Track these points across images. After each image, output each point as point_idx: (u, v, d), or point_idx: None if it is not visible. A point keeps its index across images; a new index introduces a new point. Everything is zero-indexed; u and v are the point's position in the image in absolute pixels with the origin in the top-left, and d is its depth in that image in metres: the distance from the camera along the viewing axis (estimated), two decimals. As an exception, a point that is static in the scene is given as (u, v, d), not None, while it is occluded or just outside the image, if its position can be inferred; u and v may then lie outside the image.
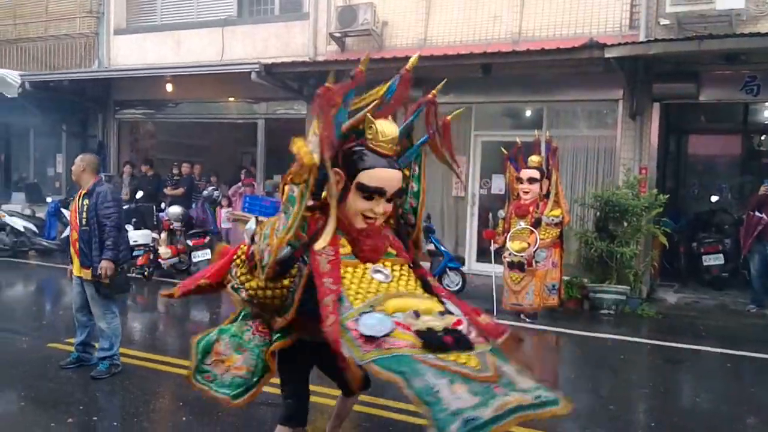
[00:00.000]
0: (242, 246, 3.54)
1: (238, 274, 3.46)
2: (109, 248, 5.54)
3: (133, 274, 10.64)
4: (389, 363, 2.73)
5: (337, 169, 3.20)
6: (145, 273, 10.48)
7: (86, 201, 5.63)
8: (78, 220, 5.65)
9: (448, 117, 3.67)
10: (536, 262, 8.31)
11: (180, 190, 12.74)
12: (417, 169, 3.73)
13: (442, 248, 10.12)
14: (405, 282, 3.15)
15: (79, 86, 14.48)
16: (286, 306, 3.34)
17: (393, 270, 3.19)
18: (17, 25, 16.00)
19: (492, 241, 8.97)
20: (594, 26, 10.16)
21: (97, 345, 5.87)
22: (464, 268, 10.47)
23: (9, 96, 13.45)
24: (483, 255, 10.90)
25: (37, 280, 11.28)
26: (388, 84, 3.45)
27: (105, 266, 5.51)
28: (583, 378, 6.40)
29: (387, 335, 2.78)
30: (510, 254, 8.38)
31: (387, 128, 3.31)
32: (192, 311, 9.27)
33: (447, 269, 9.97)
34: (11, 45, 16.06)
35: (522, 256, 8.26)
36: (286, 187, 3.22)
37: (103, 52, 14.71)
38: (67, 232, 12.49)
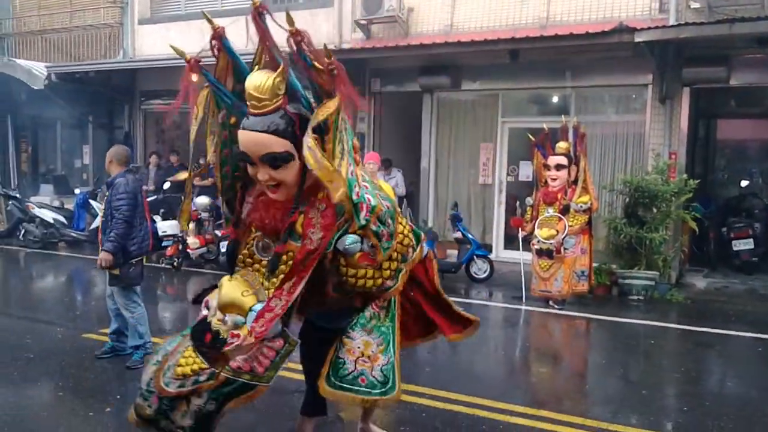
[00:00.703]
0: None
1: None
2: (110, 240, 5.52)
3: (162, 264, 10.80)
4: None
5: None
6: (174, 263, 10.60)
7: (107, 192, 5.71)
8: (104, 212, 5.75)
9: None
10: (565, 249, 8.27)
11: (209, 181, 12.82)
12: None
13: (470, 236, 10.11)
14: (285, 268, 3.08)
15: (104, 77, 14.57)
16: None
17: (284, 256, 3.08)
18: (42, 16, 16.14)
19: (520, 228, 8.94)
20: (623, 10, 10.04)
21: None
22: (492, 256, 10.45)
23: (35, 88, 13.54)
24: (510, 242, 10.87)
25: (67, 271, 11.42)
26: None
27: (102, 257, 5.51)
28: (613, 363, 6.37)
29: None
30: (538, 241, 8.36)
31: (250, 79, 3.03)
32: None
33: (474, 257, 9.96)
34: (36, 36, 16.22)
35: (550, 243, 8.23)
36: None
37: (128, 42, 14.79)
38: (96, 223, 12.70)
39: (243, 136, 3.00)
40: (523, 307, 8.54)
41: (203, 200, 11.33)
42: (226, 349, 3.02)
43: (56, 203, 14.02)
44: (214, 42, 3.14)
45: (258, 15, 3.08)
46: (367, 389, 3.41)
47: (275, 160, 2.95)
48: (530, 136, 9.03)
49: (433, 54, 10.67)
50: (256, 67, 3.14)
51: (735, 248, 10.61)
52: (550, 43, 9.75)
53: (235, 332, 3.03)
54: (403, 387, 5.18)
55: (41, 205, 13.48)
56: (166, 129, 16.14)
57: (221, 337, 3.04)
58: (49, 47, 15.97)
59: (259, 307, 3.01)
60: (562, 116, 9.22)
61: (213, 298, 3.15)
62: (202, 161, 13.60)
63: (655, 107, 9.98)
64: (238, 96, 3.13)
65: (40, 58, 15.53)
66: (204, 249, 11.02)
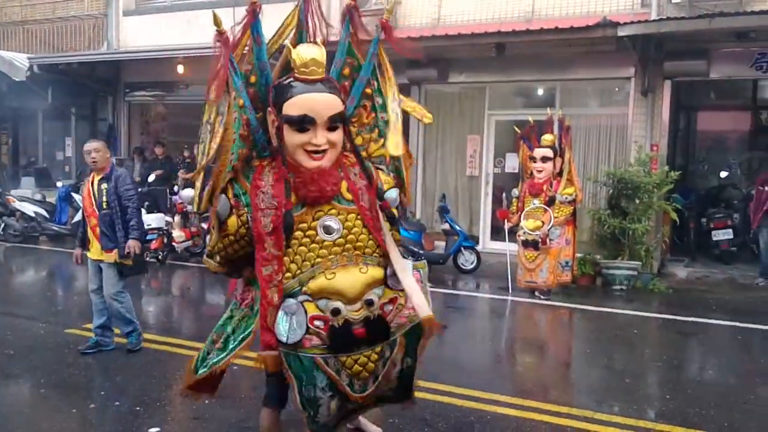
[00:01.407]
0: None
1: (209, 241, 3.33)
2: (134, 228, 5.72)
3: (147, 258, 10.74)
4: (294, 362, 3.03)
5: (270, 108, 3.15)
6: (159, 257, 10.52)
7: (104, 185, 5.70)
8: (96, 205, 5.71)
9: (384, 17, 3.41)
10: (550, 240, 8.38)
11: (191, 174, 12.77)
12: (376, 83, 3.43)
13: (457, 227, 10.21)
14: (355, 238, 3.11)
15: (88, 69, 14.47)
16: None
17: (345, 222, 3.11)
18: (24, 6, 15.97)
19: (506, 220, 9.04)
20: (606, 5, 10.15)
21: (116, 329, 6.01)
22: (479, 247, 10.56)
23: (17, 79, 13.43)
24: (497, 233, 10.98)
25: (49, 265, 11.32)
26: (297, 9, 3.37)
27: (133, 245, 5.68)
28: (597, 352, 6.50)
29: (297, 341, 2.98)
30: (524, 233, 8.46)
31: (305, 51, 3.12)
32: (207, 294, 9.38)
33: (462, 248, 10.07)
34: (18, 27, 16.06)
35: (536, 234, 8.33)
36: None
37: (113, 33, 14.70)
38: (79, 216, 12.55)
39: (312, 98, 3.04)
40: (510, 298, 8.65)
41: (189, 193, 11.29)
42: (388, 317, 3.11)
43: (38, 196, 13.85)
44: (247, 19, 3.14)
45: (354, 10, 3.32)
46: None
47: (339, 120, 3.09)
48: (516, 129, 9.12)
49: (420, 47, 10.70)
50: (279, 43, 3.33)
51: (714, 238, 10.76)
52: (536, 37, 9.85)
53: (385, 301, 3.11)
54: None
55: (22, 199, 13.31)
56: (151, 121, 16.07)
57: (373, 318, 3.06)
58: (31, 38, 15.82)
59: (397, 266, 3.11)
60: (548, 109, 9.32)
61: (332, 302, 3.00)
62: (186, 153, 13.64)
63: (638, 100, 10.12)
64: (243, 77, 3.18)
65: (22, 49, 15.39)
66: (189, 242, 11.00)
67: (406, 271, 3.12)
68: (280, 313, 3.00)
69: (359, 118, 3.40)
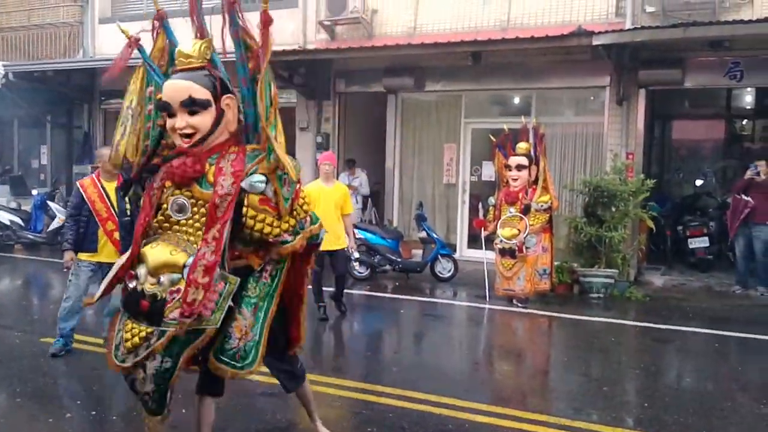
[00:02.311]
0: None
1: None
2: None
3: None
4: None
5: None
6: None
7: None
8: (116, 211, 5.88)
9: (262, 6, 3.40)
10: (527, 248, 8.40)
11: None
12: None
13: (434, 235, 10.21)
14: (192, 223, 3.23)
15: (63, 76, 14.31)
16: None
17: (194, 206, 3.23)
18: (-1, 14, 15.81)
19: (482, 228, 9.05)
20: (581, 14, 10.25)
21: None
22: (456, 255, 10.57)
23: (-9, 86, 13.29)
24: (474, 241, 11.03)
25: (24, 274, 11.17)
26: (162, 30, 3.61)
27: None
28: (575, 360, 6.51)
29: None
30: (501, 241, 8.48)
31: (184, 45, 3.41)
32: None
33: (439, 256, 10.07)
34: (-8, 34, 15.88)
35: (512, 242, 8.36)
36: None
37: (88, 41, 14.57)
38: (55, 225, 12.45)
39: (168, 85, 3.28)
40: (487, 306, 8.65)
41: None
42: (169, 306, 3.13)
43: (13, 204, 13.69)
44: (155, 23, 3.49)
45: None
46: (237, 363, 3.39)
47: (194, 104, 3.21)
48: (491, 137, 9.15)
49: (397, 55, 10.76)
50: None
51: (691, 246, 10.87)
52: (511, 46, 9.92)
53: (174, 288, 3.15)
54: (369, 387, 5.26)
55: (-3, 207, 13.13)
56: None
57: (160, 298, 3.15)
58: (6, 46, 15.63)
59: (191, 260, 3.13)
60: (522, 117, 9.37)
61: (140, 267, 3.22)
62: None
63: (613, 108, 10.21)
64: (168, 77, 3.40)
65: (-4, 56, 15.22)
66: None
67: (188, 268, 3.12)
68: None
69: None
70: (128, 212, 5.73)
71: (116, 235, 5.87)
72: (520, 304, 8.50)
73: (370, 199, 12.59)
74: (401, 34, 11.33)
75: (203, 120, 3.24)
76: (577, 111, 11.10)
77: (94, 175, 6.04)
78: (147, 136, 3.48)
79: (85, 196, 5.90)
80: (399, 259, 10.14)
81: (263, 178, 3.20)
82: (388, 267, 10.12)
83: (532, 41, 9.56)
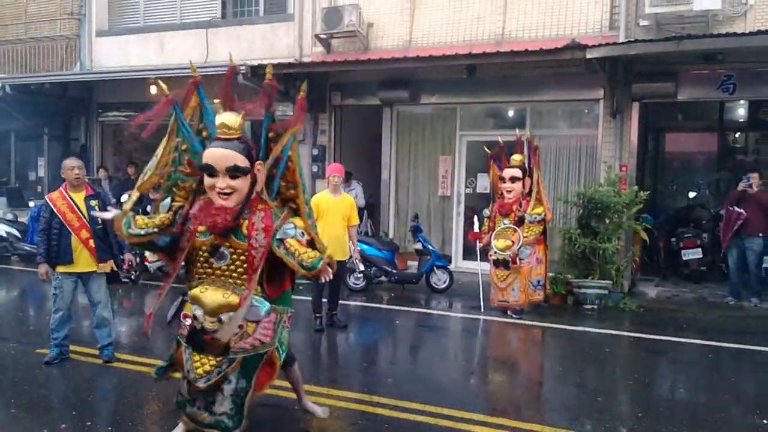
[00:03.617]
0: None
1: None
2: (125, 243, 6.10)
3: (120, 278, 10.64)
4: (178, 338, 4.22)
5: (188, 158, 4.14)
6: (132, 277, 10.44)
7: (94, 202, 6.12)
8: (89, 220, 6.06)
9: (300, 95, 4.28)
10: (521, 259, 8.45)
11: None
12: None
13: (430, 247, 10.25)
14: (235, 269, 3.99)
15: (60, 89, 14.39)
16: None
17: (233, 254, 3.98)
18: (-5, 27, 15.85)
19: (477, 241, 9.09)
20: (575, 27, 10.34)
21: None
22: (451, 266, 10.60)
23: (-11, 99, 13.31)
24: (469, 253, 11.06)
25: (21, 285, 11.15)
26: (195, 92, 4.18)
27: (131, 258, 6.50)
28: (569, 371, 6.53)
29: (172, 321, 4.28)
30: (495, 252, 8.52)
31: (221, 117, 4.00)
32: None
33: (434, 268, 10.10)
34: (-10, 47, 15.92)
35: (506, 254, 8.40)
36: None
37: (85, 54, 14.62)
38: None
39: (214, 152, 3.92)
40: (482, 317, 8.68)
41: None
42: (233, 338, 3.95)
43: (9, 216, 13.68)
44: (191, 87, 4.12)
45: (233, 75, 4.18)
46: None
47: (237, 171, 3.90)
48: (486, 149, 9.21)
49: (392, 68, 10.84)
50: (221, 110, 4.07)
51: (684, 257, 10.93)
52: (506, 59, 9.97)
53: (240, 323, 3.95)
54: (365, 398, 5.29)
55: (-6, 219, 13.13)
56: (124, 141, 15.96)
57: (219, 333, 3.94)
58: (3, 58, 15.65)
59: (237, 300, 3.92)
60: (517, 130, 9.44)
61: (196, 309, 3.95)
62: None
63: (607, 121, 10.28)
64: (197, 132, 4.17)
65: (-7, 69, 15.26)
66: (162, 262, 10.88)
67: (246, 308, 3.91)
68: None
69: (286, 176, 4.22)
70: (99, 221, 6.00)
71: (92, 242, 6.07)
72: (514, 315, 8.54)
73: (365, 211, 12.63)
74: (397, 48, 11.42)
75: (242, 183, 3.94)
76: (571, 124, 11.18)
77: (61, 188, 6.18)
78: (168, 177, 4.22)
79: (54, 210, 6.05)
80: (395, 271, 10.17)
81: (292, 225, 3.99)
82: (383, 278, 10.15)
83: (526, 54, 9.63)
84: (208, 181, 3.95)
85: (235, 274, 3.98)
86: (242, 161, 3.90)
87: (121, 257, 6.33)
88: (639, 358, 7.12)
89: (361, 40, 11.60)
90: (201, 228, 3.96)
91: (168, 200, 4.23)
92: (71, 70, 14.55)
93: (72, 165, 6.15)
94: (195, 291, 3.97)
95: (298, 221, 4.06)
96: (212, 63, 12.65)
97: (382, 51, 11.34)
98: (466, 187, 11.81)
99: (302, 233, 4.00)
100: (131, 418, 4.90)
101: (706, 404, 5.54)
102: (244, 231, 3.94)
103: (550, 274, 9.32)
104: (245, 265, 3.95)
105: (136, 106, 14.72)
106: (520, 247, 8.41)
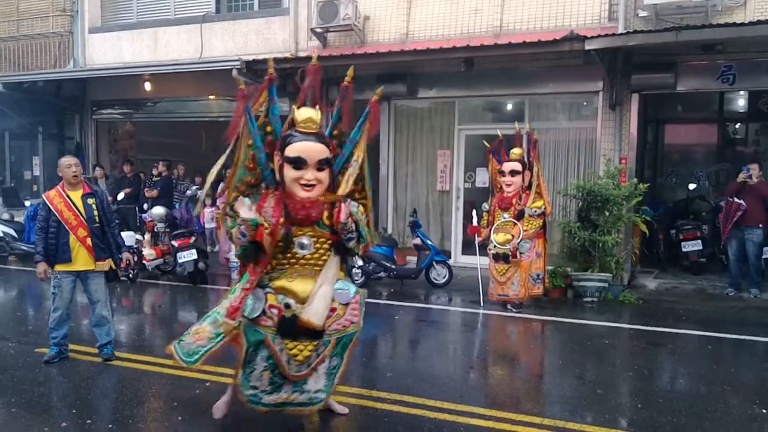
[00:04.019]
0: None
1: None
2: (123, 242, 6.58)
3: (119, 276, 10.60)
4: (249, 332, 4.21)
5: (277, 151, 4.25)
6: (130, 275, 10.40)
7: (91, 200, 6.13)
8: (86, 219, 6.04)
9: (374, 98, 4.53)
10: (521, 253, 8.41)
11: (154, 192, 12.63)
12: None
13: (429, 242, 10.20)
14: (319, 257, 4.27)
15: (54, 87, 14.35)
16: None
17: (316, 243, 4.24)
18: (-13, 25, 15.76)
19: (476, 235, 9.06)
20: (573, 19, 10.28)
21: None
22: (450, 261, 10.55)
23: (-18, 98, 13.28)
24: (468, 248, 11.02)
25: (18, 285, 11.14)
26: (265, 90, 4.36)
27: (129, 257, 6.48)
28: (569, 364, 6.50)
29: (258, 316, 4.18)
30: (494, 246, 8.48)
31: (304, 112, 4.25)
32: (179, 312, 9.29)
33: (434, 263, 10.06)
34: (-19, 46, 15.84)
35: (506, 248, 8.36)
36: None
37: (78, 51, 14.54)
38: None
39: (306, 145, 4.16)
40: (482, 311, 8.65)
41: (159, 211, 11.19)
42: (328, 321, 4.23)
43: (5, 216, 13.71)
44: (266, 83, 4.32)
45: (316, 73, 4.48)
46: None
47: (326, 163, 4.21)
48: (485, 143, 9.17)
49: (389, 62, 10.77)
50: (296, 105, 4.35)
51: (684, 249, 10.90)
52: (504, 51, 9.93)
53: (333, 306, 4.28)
54: (365, 392, 5.26)
55: (-10, 218, 13.11)
56: (119, 139, 15.92)
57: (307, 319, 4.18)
58: (-5, 57, 15.61)
59: (339, 284, 4.35)
60: (516, 123, 9.40)
61: (287, 299, 4.16)
62: (155, 171, 13.58)
63: (606, 113, 10.24)
64: (261, 127, 4.31)
65: (-14, 68, 15.18)
66: (160, 260, 10.87)
67: (331, 286, 4.28)
68: (250, 295, 4.21)
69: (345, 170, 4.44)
70: (96, 219, 6.08)
71: (89, 241, 6.06)
72: (514, 309, 8.50)
73: (363, 207, 12.58)
74: (393, 41, 11.36)
75: (326, 175, 4.23)
76: (570, 116, 11.13)
77: (58, 186, 6.16)
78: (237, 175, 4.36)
79: (51, 208, 6.03)
80: (394, 266, 10.13)
81: (356, 204, 4.37)
82: (382, 274, 10.11)
83: (524, 46, 9.59)
84: (292, 173, 4.15)
85: (320, 261, 4.26)
86: (328, 154, 4.21)
87: (120, 256, 6.30)
88: (639, 350, 7.10)
89: (357, 33, 11.54)
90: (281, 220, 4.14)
91: (248, 199, 4.20)
92: (64, 68, 14.48)
93: (69, 163, 6.14)
94: (282, 282, 4.20)
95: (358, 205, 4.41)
96: (207, 59, 12.61)
97: (378, 45, 11.28)
98: (465, 181, 11.77)
99: (364, 216, 4.41)
100: (131, 415, 4.90)
101: (705, 395, 5.52)
102: (326, 220, 4.22)
103: (550, 268, 9.29)
104: (329, 252, 4.28)
105: (131, 103, 14.74)
106: (520, 241, 8.37)
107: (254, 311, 4.16)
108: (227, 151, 4.32)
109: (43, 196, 6.19)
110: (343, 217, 4.19)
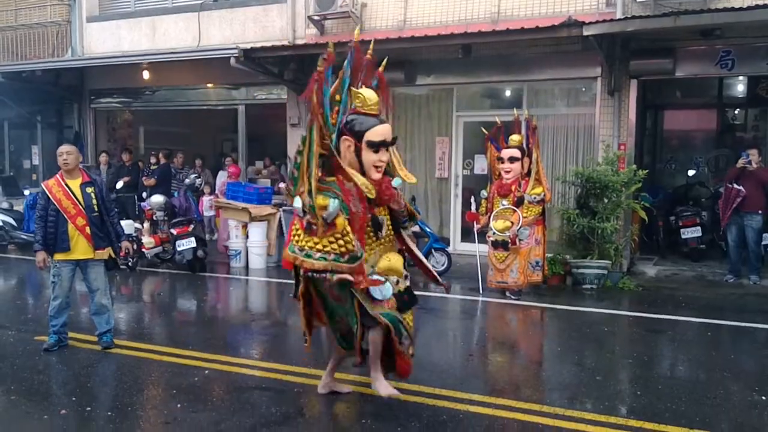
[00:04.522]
0: (294, 225, 4.27)
1: (304, 244, 4.14)
2: (123, 231, 6.56)
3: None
4: (387, 316, 4.31)
5: (347, 136, 4.24)
6: (129, 263, 10.42)
7: (90, 189, 6.13)
8: (85, 207, 6.05)
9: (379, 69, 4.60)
10: (520, 240, 8.41)
11: (152, 181, 12.61)
12: None
13: (428, 229, 10.19)
14: (389, 234, 4.49)
15: (52, 76, 14.31)
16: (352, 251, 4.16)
17: (387, 221, 4.42)
18: (-14, 14, 15.71)
19: (475, 222, 9.04)
20: (571, 4, 10.22)
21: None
22: (449, 249, 10.55)
23: (-20, 88, 13.25)
24: (467, 235, 11.01)
25: (18, 273, 11.18)
26: (324, 68, 4.28)
27: (128, 245, 6.48)
28: (569, 351, 6.51)
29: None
30: (494, 233, 8.47)
31: (370, 94, 4.28)
32: (178, 299, 9.31)
33: (432, 250, 10.05)
34: (-21, 35, 15.79)
35: (505, 235, 8.35)
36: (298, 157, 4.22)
37: (76, 40, 14.50)
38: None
39: (385, 128, 4.28)
40: (481, 298, 8.66)
41: (158, 199, 11.19)
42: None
43: (5, 205, 13.71)
44: (359, 53, 4.39)
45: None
46: None
47: (395, 142, 4.39)
48: (484, 130, 9.14)
49: (387, 49, 10.59)
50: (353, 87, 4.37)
51: (683, 236, 10.89)
52: (502, 38, 9.89)
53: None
54: (364, 380, 5.26)
55: (-11, 208, 13.11)
56: (117, 127, 15.89)
57: (407, 287, 4.53)
58: (-7, 46, 15.56)
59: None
60: (514, 109, 9.37)
61: (390, 276, 4.34)
62: (153, 159, 13.55)
63: (604, 99, 10.20)
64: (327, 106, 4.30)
65: (-16, 57, 15.14)
66: (159, 248, 10.89)
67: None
68: (387, 284, 4.32)
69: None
70: (95, 208, 6.08)
71: (88, 230, 6.06)
72: (513, 296, 8.51)
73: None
74: (391, 28, 11.31)
75: (388, 156, 4.35)
76: (569, 102, 11.09)
77: (58, 175, 6.16)
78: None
79: (50, 197, 6.03)
80: (393, 254, 10.11)
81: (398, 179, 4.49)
82: (381, 261, 10.09)
83: (522, 32, 9.54)
84: (372, 156, 4.23)
85: (389, 238, 4.49)
86: None
87: (119, 245, 6.31)
88: (638, 336, 7.11)
89: (355, 20, 11.48)
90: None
91: (335, 201, 4.08)
92: (63, 57, 14.44)
93: (60, 151, 6.15)
94: (383, 264, 4.35)
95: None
96: (205, 47, 12.57)
97: (376, 32, 11.21)
98: (464, 168, 11.75)
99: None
100: (131, 403, 4.92)
101: (705, 381, 5.52)
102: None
103: (549, 255, 9.28)
104: (391, 228, 4.48)
105: (129, 92, 14.70)
106: (519, 228, 8.36)
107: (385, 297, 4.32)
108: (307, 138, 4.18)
109: (42, 184, 6.20)
110: (402, 201, 4.48)
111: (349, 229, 4.10)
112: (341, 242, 4.08)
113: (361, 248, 4.19)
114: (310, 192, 4.08)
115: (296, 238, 4.20)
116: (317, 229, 4.06)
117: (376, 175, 4.26)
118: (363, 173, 4.28)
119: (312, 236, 4.09)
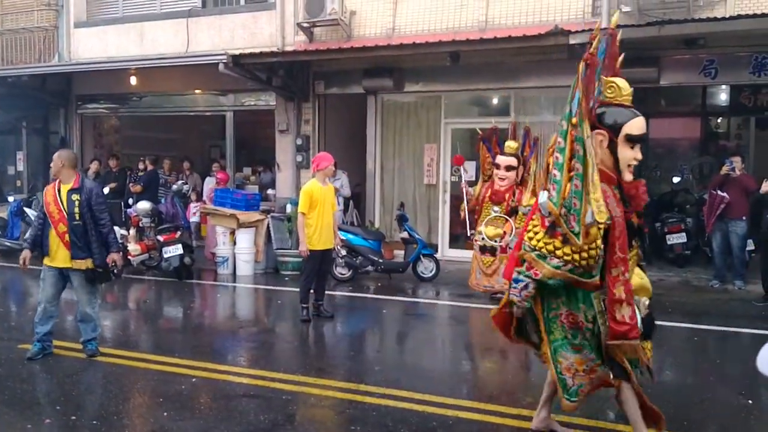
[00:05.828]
0: (532, 222, 3.80)
1: (542, 245, 3.61)
2: (114, 242, 6.18)
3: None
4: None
5: (601, 130, 3.66)
6: (115, 270, 10.30)
7: (75, 196, 5.93)
8: (67, 214, 5.90)
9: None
10: (510, 248, 8.39)
11: (138, 187, 12.55)
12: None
13: (416, 235, 10.21)
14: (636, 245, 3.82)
15: (39, 81, 14.21)
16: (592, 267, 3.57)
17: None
18: (-28, 19, 15.59)
19: (462, 167, 9.17)
20: (558, 13, 10.32)
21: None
22: (438, 255, 10.58)
23: (-35, 93, 13.14)
24: (456, 241, 11.05)
25: (2, 281, 10.99)
26: (596, 47, 3.83)
27: (116, 258, 6.19)
28: (557, 357, 6.52)
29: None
30: (482, 239, 8.47)
31: (624, 84, 3.79)
32: (164, 307, 9.25)
33: (421, 256, 10.06)
34: (-34, 40, 15.67)
35: (495, 243, 8.34)
36: (551, 158, 3.73)
37: (64, 45, 14.42)
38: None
39: (642, 121, 3.69)
40: (469, 304, 8.67)
41: (144, 205, 11.12)
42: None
43: (-12, 211, 13.53)
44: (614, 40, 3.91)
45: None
46: None
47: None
48: (479, 130, 9.15)
49: (375, 56, 10.78)
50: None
51: (669, 242, 10.95)
52: (489, 46, 9.96)
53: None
54: (353, 387, 5.27)
55: (-27, 214, 12.96)
56: (104, 133, 15.81)
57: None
58: (-21, 51, 15.43)
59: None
60: (511, 117, 9.39)
61: (642, 298, 3.83)
62: (141, 166, 13.47)
63: (591, 107, 10.23)
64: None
65: (-31, 62, 15.01)
66: (146, 255, 10.81)
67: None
68: (637, 309, 3.68)
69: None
70: (77, 216, 5.90)
71: (67, 237, 5.92)
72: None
73: (351, 201, 12.59)
74: (380, 36, 11.35)
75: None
76: (556, 110, 11.14)
77: (57, 180, 6.12)
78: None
79: (42, 200, 6.05)
80: (381, 260, 10.14)
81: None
82: (370, 268, 10.12)
83: (509, 41, 9.62)
84: (629, 153, 3.66)
85: (636, 251, 3.83)
86: None
87: (102, 256, 6.08)
88: (625, 342, 7.12)
89: (343, 28, 11.52)
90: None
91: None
92: (49, 62, 14.35)
93: (53, 158, 6.13)
94: (635, 281, 3.71)
95: None
96: (193, 53, 12.54)
97: (365, 39, 11.26)
98: (452, 175, 11.78)
99: None
100: (116, 411, 4.85)
101: (692, 386, 5.58)
102: None
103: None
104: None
105: (116, 98, 14.63)
106: (512, 238, 8.33)
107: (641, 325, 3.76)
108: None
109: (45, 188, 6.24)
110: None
111: (600, 241, 3.52)
112: (584, 254, 3.50)
113: (626, 264, 3.61)
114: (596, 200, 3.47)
115: (532, 235, 3.72)
116: (572, 239, 3.48)
117: (630, 176, 3.71)
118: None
119: (554, 239, 3.56)
